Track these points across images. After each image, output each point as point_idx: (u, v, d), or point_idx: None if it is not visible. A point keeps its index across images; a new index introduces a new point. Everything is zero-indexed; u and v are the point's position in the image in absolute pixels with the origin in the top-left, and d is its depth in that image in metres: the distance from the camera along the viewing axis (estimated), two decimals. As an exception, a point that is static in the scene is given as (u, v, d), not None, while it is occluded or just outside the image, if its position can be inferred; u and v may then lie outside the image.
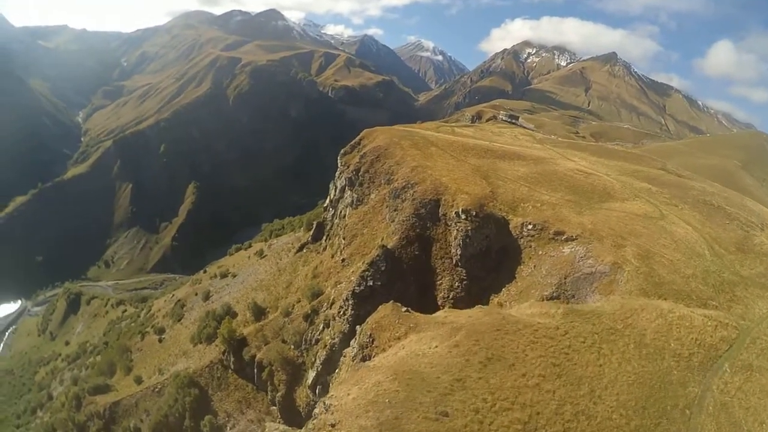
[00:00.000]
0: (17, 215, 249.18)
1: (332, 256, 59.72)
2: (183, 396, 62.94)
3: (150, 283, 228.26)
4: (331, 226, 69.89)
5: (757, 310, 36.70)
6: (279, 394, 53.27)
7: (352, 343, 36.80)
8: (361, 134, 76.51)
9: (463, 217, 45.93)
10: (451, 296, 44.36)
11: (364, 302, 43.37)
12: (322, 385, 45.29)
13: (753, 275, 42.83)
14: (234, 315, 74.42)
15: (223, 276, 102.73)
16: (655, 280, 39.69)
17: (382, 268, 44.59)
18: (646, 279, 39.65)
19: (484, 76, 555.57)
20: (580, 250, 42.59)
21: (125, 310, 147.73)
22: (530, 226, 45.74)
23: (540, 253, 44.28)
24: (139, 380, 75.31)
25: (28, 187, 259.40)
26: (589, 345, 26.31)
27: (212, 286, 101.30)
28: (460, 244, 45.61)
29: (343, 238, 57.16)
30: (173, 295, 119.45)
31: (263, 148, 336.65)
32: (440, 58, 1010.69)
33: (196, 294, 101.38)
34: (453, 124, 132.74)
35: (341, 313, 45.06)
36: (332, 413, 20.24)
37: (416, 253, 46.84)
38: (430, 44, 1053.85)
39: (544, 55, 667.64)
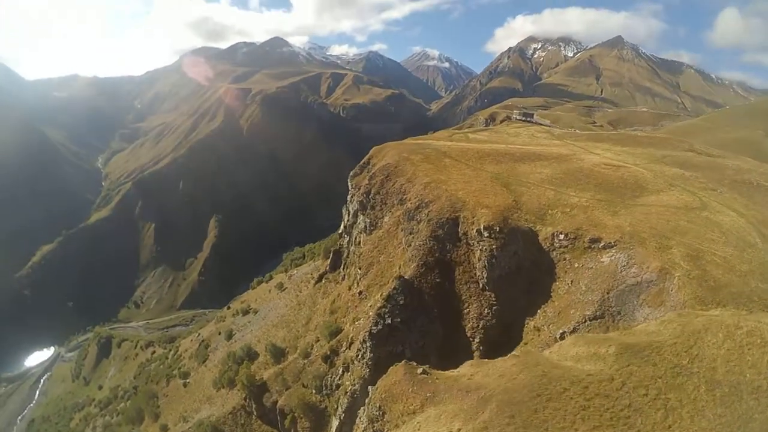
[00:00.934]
0: (45, 263, 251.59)
1: (349, 288, 55.05)
2: None
3: (180, 321, 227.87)
4: (348, 254, 65.30)
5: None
6: (304, 442, 48.59)
7: (360, 413, 31.79)
8: (370, 152, 72.09)
9: (486, 234, 40.73)
10: (480, 325, 39.09)
11: (383, 343, 38.55)
12: (346, 435, 40.46)
13: (815, 258, 37.02)
14: (255, 356, 71.18)
15: (245, 313, 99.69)
16: (710, 284, 33.99)
17: (401, 302, 39.58)
18: (699, 284, 33.96)
19: (493, 77, 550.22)
20: (621, 257, 37.04)
21: (154, 352, 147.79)
22: (562, 236, 40.31)
23: (576, 265, 38.79)
24: (164, 429, 73.10)
25: (54, 235, 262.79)
26: (653, 398, 20.75)
27: (235, 324, 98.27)
28: (485, 266, 40.34)
29: (359, 268, 52.45)
30: (199, 335, 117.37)
31: (283, 173, 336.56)
32: (447, 65, 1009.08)
33: (220, 333, 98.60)
34: (467, 130, 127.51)
35: (360, 356, 40.18)
36: None
37: (437, 280, 41.69)
38: (436, 52, 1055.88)
39: (550, 48, 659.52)
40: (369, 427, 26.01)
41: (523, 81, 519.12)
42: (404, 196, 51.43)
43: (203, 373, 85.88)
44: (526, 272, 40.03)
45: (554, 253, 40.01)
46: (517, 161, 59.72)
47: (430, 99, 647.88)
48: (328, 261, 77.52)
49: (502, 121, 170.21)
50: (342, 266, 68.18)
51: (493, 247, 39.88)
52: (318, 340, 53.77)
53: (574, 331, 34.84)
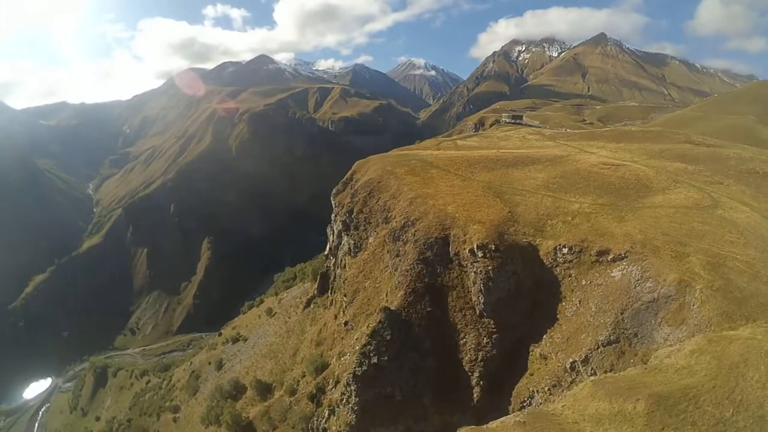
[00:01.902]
0: (37, 294, 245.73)
1: (335, 317, 50.17)
2: None
3: (177, 346, 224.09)
4: (334, 278, 60.54)
5: None
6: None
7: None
8: (353, 167, 67.59)
9: (480, 254, 36.09)
10: (480, 357, 34.33)
11: (370, 384, 33.89)
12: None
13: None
14: (243, 390, 66.60)
15: (235, 341, 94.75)
16: (735, 295, 29.63)
17: (387, 338, 34.86)
18: (724, 296, 29.52)
19: (480, 82, 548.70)
20: (634, 270, 32.53)
21: (149, 381, 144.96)
22: (565, 250, 35.76)
23: (584, 282, 34.24)
24: None
25: (47, 264, 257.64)
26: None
27: (224, 353, 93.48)
28: (481, 289, 35.66)
29: (344, 295, 47.68)
30: (191, 363, 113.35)
31: (273, 191, 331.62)
32: (433, 72, 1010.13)
33: (210, 363, 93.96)
34: (455, 137, 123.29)
35: (344, 400, 35.35)
36: None
37: (428, 309, 36.93)
38: (422, 61, 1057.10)
39: (534, 49, 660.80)
40: None
41: (509, 84, 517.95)
42: (389, 214, 46.81)
43: (193, 406, 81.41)
44: (527, 293, 35.40)
45: (558, 269, 35.43)
46: (509, 167, 55.26)
47: (419, 108, 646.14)
48: (316, 284, 72.83)
49: (491, 125, 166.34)
50: (329, 290, 63.37)
51: (489, 267, 35.21)
52: (304, 376, 48.83)
53: (586, 360, 30.31)
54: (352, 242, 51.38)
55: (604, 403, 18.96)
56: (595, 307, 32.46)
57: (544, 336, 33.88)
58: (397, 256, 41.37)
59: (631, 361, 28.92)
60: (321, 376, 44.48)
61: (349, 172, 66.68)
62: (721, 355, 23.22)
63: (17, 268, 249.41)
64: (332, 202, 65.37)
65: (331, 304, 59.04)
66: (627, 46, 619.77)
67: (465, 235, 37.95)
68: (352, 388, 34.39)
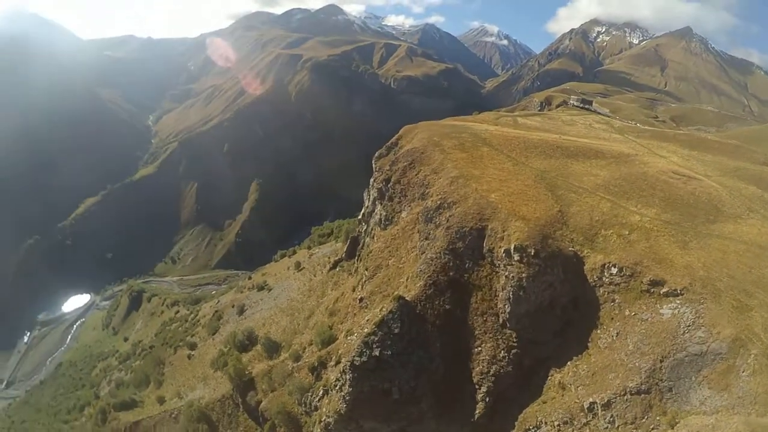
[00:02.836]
0: (88, 215, 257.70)
1: (353, 289, 47.03)
2: (192, 430, 56.23)
3: (213, 280, 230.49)
4: (362, 245, 57.19)
5: None
6: (281, 453, 42.20)
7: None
8: (400, 132, 62.99)
9: (516, 257, 31.65)
10: (492, 371, 30.57)
11: (367, 376, 30.89)
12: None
13: None
14: (255, 341, 65.53)
15: (260, 288, 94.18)
16: (794, 373, 24.45)
17: (395, 331, 31.41)
18: (781, 370, 24.38)
19: (553, 59, 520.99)
20: (687, 313, 27.64)
21: (177, 311, 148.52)
22: (615, 270, 30.82)
23: (627, 313, 29.52)
24: (161, 400, 69.96)
25: (100, 189, 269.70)
26: None
27: (248, 299, 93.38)
28: (509, 297, 31.45)
29: (366, 269, 44.32)
30: (218, 302, 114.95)
31: (328, 143, 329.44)
32: (505, 42, 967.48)
33: (233, 306, 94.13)
34: (517, 113, 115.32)
35: (338, 386, 32.50)
36: None
37: (447, 306, 33.10)
38: (495, 28, 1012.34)
39: (614, 33, 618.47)
40: None
41: (583, 65, 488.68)
42: (426, 190, 42.59)
43: (209, 346, 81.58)
44: (561, 310, 30.98)
45: (602, 290, 30.67)
46: (569, 157, 49.32)
47: (486, 76, 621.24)
48: (346, 247, 70.03)
49: (557, 106, 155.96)
50: (356, 257, 60.29)
51: (524, 274, 30.81)
52: (311, 344, 46.52)
53: (607, 404, 26.37)
54: (384, 213, 47.72)
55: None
56: (633, 345, 27.88)
57: (569, 363, 29.76)
58: (427, 239, 37.44)
59: (658, 419, 24.73)
60: (326, 350, 42.02)
61: (395, 137, 62.29)
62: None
63: (72, 189, 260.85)
64: (373, 165, 61.37)
65: (355, 272, 56.02)
66: (712, 45, 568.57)
67: (504, 232, 33.40)
68: (348, 376, 31.53)
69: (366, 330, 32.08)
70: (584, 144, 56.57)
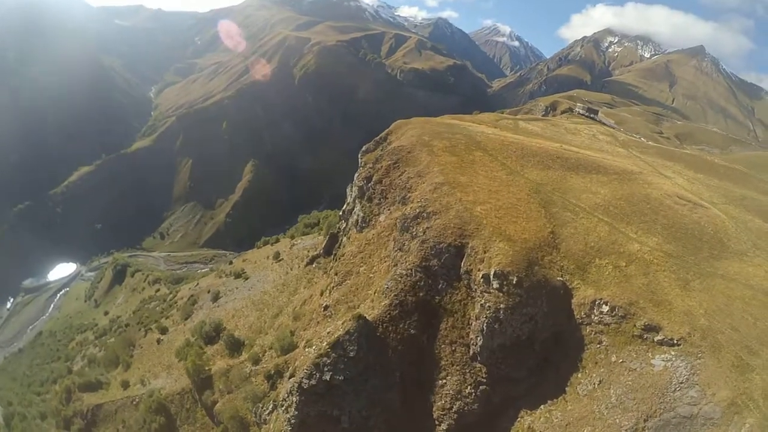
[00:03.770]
0: (80, 183, 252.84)
1: (321, 293, 42.93)
2: (150, 421, 53.09)
3: (200, 258, 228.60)
4: (339, 244, 53.01)
5: None
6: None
7: None
8: (391, 126, 58.75)
9: (496, 284, 27.64)
10: (455, 408, 26.77)
11: (315, 402, 27.08)
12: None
13: None
14: (221, 334, 61.67)
15: (237, 276, 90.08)
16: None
17: (351, 354, 27.49)
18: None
19: (562, 65, 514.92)
20: (681, 367, 24.07)
21: (158, 290, 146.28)
22: (606, 308, 26.98)
23: (614, 359, 25.82)
24: (125, 385, 66.67)
25: (94, 158, 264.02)
26: None
27: (224, 286, 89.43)
28: (483, 329, 27.48)
29: (336, 273, 40.27)
30: (197, 284, 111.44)
31: (329, 129, 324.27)
32: (517, 43, 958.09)
33: (209, 291, 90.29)
34: (519, 117, 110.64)
35: (284, 406, 28.60)
36: None
37: (412, 331, 29.12)
38: (507, 29, 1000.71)
39: (626, 44, 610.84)
40: None
41: (592, 74, 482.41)
42: (408, 195, 38.39)
43: (179, 333, 77.77)
44: (540, 346, 27.13)
45: (588, 329, 26.86)
46: (569, 170, 45.05)
47: (494, 76, 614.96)
48: (325, 242, 65.80)
49: (562, 112, 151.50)
50: (333, 256, 56.16)
51: (502, 305, 26.83)
52: (272, 347, 42.60)
53: None
54: (362, 214, 43.58)
55: None
56: (616, 397, 24.12)
57: (542, 407, 26.03)
58: (400, 250, 33.35)
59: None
60: (284, 358, 38.26)
61: (385, 131, 58.01)
62: None
63: (66, 156, 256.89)
64: (359, 159, 57.06)
65: (329, 271, 51.90)
66: (723, 66, 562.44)
67: (485, 253, 29.30)
68: (294, 398, 27.62)
69: (320, 349, 28.07)
70: (586, 156, 52.31)
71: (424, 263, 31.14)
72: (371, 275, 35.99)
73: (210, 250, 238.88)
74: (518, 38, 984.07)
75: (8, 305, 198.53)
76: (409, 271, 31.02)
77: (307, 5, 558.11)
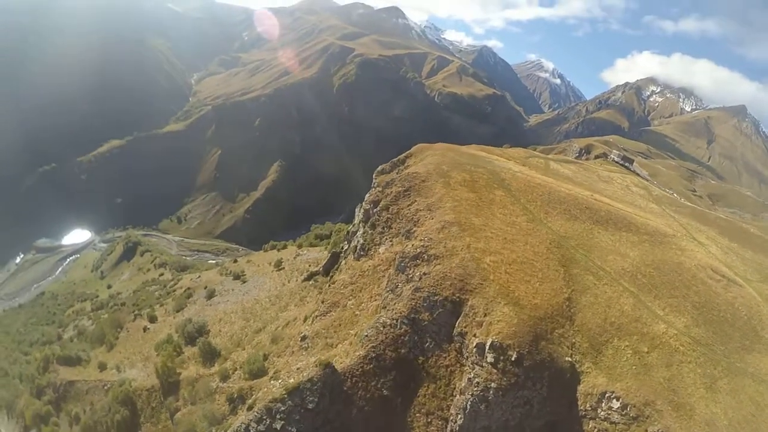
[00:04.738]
0: (108, 157, 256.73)
1: (305, 319, 38.74)
2: (114, 411, 50.27)
3: (212, 249, 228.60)
4: (338, 267, 48.87)
5: None
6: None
7: None
8: (412, 149, 54.77)
9: (491, 358, 23.25)
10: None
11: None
12: None
13: None
14: (202, 336, 57.99)
15: (236, 277, 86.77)
16: None
17: (310, 406, 23.34)
18: None
19: (601, 108, 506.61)
20: None
21: (162, 274, 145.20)
22: (616, 404, 22.54)
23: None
24: (102, 367, 64.12)
25: (125, 134, 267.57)
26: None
27: (222, 285, 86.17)
28: (467, 407, 23.07)
29: (322, 302, 36.18)
30: (199, 276, 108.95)
31: (360, 141, 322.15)
32: (558, 81, 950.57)
33: (205, 287, 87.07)
34: (551, 156, 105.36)
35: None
36: None
37: (385, 392, 24.80)
38: (550, 65, 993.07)
39: (668, 95, 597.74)
40: None
41: (631, 121, 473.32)
42: (413, 229, 34.18)
43: (166, 325, 74.83)
44: (533, 437, 22.22)
45: (591, 424, 22.50)
46: (597, 223, 40.27)
47: (532, 111, 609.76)
48: (326, 260, 61.80)
49: (596, 157, 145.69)
50: (330, 277, 52.04)
51: (493, 384, 22.45)
52: (242, 367, 38.65)
53: None
54: (362, 241, 39.47)
55: None
56: None
57: None
58: (392, 292, 29.10)
59: None
60: (249, 384, 34.31)
61: (405, 154, 54.05)
62: None
63: (98, 128, 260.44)
64: (373, 179, 53.00)
65: (320, 293, 47.80)
66: (764, 129, 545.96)
67: (485, 316, 24.88)
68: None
69: (281, 389, 23.96)
70: (617, 210, 47.31)
71: (413, 315, 26.83)
72: (357, 312, 31.84)
73: (223, 242, 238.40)
74: (560, 76, 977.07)
75: (17, 260, 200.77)
76: (395, 321, 26.74)
77: (356, 17, 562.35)
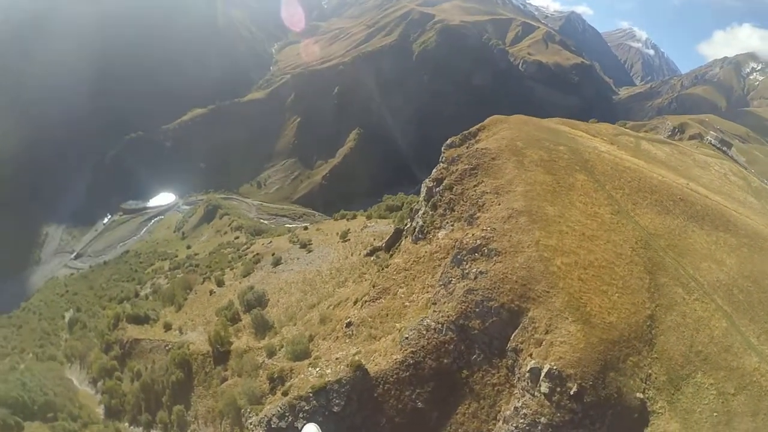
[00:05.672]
0: (191, 124, 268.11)
1: (355, 302, 36.04)
2: (170, 373, 51.95)
3: (290, 213, 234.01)
4: (399, 245, 45.66)
5: None
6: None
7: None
8: (486, 121, 49.44)
9: (545, 388, 19.09)
10: None
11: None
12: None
13: None
14: (263, 304, 57.69)
15: (303, 246, 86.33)
16: None
17: (335, 409, 20.81)
18: None
19: (697, 84, 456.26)
20: None
21: (237, 237, 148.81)
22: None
23: None
24: (167, 327, 66.64)
25: (208, 102, 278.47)
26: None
27: (289, 253, 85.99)
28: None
29: (373, 286, 33.26)
30: (270, 242, 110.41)
31: (440, 110, 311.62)
32: (652, 52, 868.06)
33: (273, 254, 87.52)
34: (643, 135, 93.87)
35: None
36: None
37: (419, 404, 21.43)
38: (644, 35, 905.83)
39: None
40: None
41: (729, 100, 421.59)
42: (477, 214, 29.88)
43: (231, 290, 75.98)
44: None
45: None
46: (692, 219, 33.70)
47: (622, 83, 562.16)
48: (390, 236, 58.83)
49: (690, 137, 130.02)
50: (390, 254, 49.04)
51: (543, 420, 18.32)
52: (288, 345, 37.02)
53: None
54: (421, 222, 35.80)
55: None
56: None
57: None
58: (444, 288, 25.39)
59: None
60: (290, 365, 32.40)
61: (477, 126, 48.97)
62: None
63: (181, 97, 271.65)
64: (442, 153, 48.66)
65: (379, 270, 44.93)
66: None
67: (547, 333, 20.56)
68: None
69: (302, 389, 21.61)
70: (714, 205, 39.62)
71: (462, 320, 23.02)
72: (407, 303, 28.56)
73: (300, 208, 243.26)
74: (654, 46, 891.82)
75: (105, 220, 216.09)
76: (440, 325, 23.12)
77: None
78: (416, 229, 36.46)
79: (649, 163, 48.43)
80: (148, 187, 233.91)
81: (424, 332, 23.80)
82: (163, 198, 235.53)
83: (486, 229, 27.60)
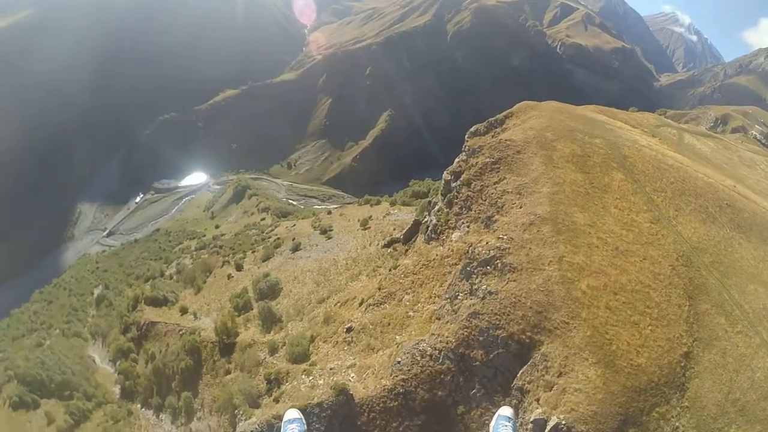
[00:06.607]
0: (223, 105, 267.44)
1: (361, 302, 33.08)
2: (180, 359, 51.73)
3: (319, 194, 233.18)
4: (415, 238, 42.45)
5: None
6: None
7: None
8: (515, 107, 45.18)
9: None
10: None
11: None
12: None
13: None
14: (276, 294, 56.49)
15: (324, 232, 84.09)
16: None
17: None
18: None
19: (741, 73, 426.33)
20: None
21: (263, 219, 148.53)
22: None
23: None
24: (183, 311, 66.88)
25: (239, 83, 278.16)
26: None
27: (309, 239, 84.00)
28: None
29: (379, 288, 30.26)
30: (294, 225, 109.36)
31: (473, 92, 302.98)
32: (695, 38, 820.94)
33: (293, 240, 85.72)
34: (686, 127, 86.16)
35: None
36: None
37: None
38: (687, 19, 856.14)
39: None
40: None
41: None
42: (496, 215, 26.26)
43: (248, 275, 74.78)
44: None
45: None
46: (738, 230, 28.89)
47: (662, 69, 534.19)
48: (409, 226, 55.57)
49: (733, 130, 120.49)
50: (407, 248, 45.87)
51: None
52: (288, 344, 34.66)
53: None
54: (435, 220, 32.39)
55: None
56: None
57: None
58: (451, 302, 22.11)
59: None
60: (287, 367, 30.14)
61: (504, 113, 44.82)
62: None
63: (212, 79, 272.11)
64: (465, 142, 44.70)
65: (390, 269, 41.89)
66: None
67: (559, 376, 17.10)
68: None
69: (284, 409, 19.14)
70: (764, 213, 34.12)
71: (462, 349, 19.63)
72: (411, 313, 25.41)
73: (330, 189, 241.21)
74: (697, 32, 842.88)
75: (137, 199, 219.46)
76: (438, 352, 19.81)
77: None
78: (429, 228, 33.14)
79: (693, 159, 43.32)
80: (181, 167, 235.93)
81: (419, 358, 20.56)
82: (195, 177, 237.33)
83: (503, 237, 23.84)
